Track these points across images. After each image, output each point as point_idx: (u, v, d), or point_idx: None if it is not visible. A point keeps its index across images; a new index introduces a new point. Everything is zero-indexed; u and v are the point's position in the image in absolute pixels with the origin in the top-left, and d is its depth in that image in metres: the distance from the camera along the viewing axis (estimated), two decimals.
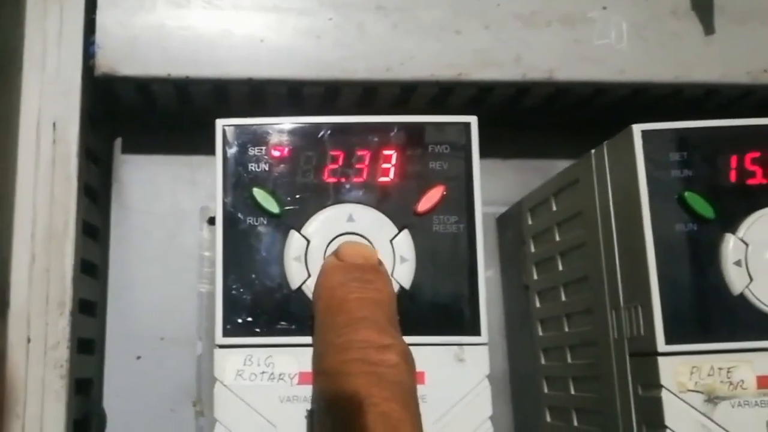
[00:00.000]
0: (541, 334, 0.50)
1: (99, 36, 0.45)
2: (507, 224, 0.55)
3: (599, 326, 0.42)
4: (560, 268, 0.47)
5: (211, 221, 0.53)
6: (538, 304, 0.50)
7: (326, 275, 0.36)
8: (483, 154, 0.39)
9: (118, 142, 0.55)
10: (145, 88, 0.49)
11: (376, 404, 0.30)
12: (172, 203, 0.54)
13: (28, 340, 0.42)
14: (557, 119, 0.55)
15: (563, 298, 0.46)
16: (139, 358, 0.52)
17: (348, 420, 0.30)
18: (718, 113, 0.49)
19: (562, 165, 0.49)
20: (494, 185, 0.55)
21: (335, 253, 0.37)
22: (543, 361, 0.49)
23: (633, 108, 0.52)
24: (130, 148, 0.55)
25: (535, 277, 0.50)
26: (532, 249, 0.51)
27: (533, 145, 0.57)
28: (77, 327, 0.43)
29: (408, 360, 0.33)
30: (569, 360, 0.46)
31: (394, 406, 0.30)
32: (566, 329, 0.46)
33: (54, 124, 0.44)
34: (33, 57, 0.44)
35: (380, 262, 0.37)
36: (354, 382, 0.31)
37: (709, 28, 0.48)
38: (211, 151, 0.39)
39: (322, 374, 0.33)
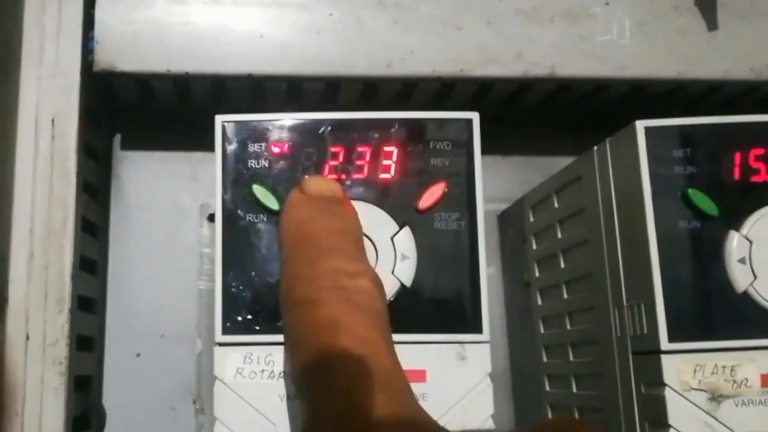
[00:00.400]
0: (542, 331, 0.49)
1: (98, 31, 0.45)
2: (508, 221, 0.55)
3: (601, 324, 0.42)
4: (562, 265, 0.46)
5: (211, 218, 0.53)
6: (539, 302, 0.50)
7: (292, 208, 0.35)
8: (484, 151, 0.39)
9: (117, 139, 0.54)
10: (144, 83, 0.48)
11: (351, 328, 0.29)
12: (172, 200, 0.54)
13: (27, 338, 0.41)
14: (559, 116, 0.55)
15: (565, 295, 0.46)
16: (138, 355, 0.52)
17: (322, 347, 0.29)
18: (721, 109, 0.49)
19: (563, 162, 0.49)
20: (495, 182, 0.55)
21: (300, 187, 0.36)
22: (545, 359, 0.49)
23: (635, 104, 0.51)
24: (129, 145, 0.54)
25: (537, 274, 0.50)
26: (534, 246, 0.50)
27: (535, 141, 0.56)
28: (76, 324, 0.43)
29: (379, 286, 0.32)
30: (571, 358, 0.46)
31: (371, 331, 0.30)
32: (568, 327, 0.46)
33: (52, 120, 0.44)
34: (31, 52, 0.44)
35: (345, 194, 0.36)
36: (329, 308, 0.30)
37: (712, 23, 0.48)
38: (210, 148, 0.39)
39: (292, 305, 0.32)
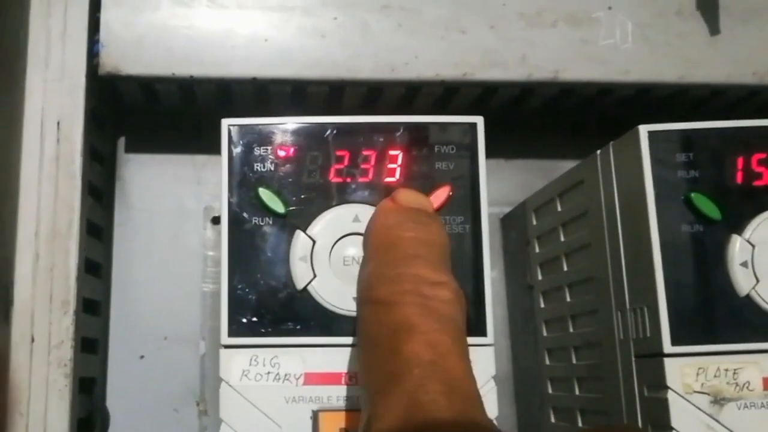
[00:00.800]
0: (545, 334, 0.50)
1: (103, 35, 0.45)
2: (511, 224, 0.55)
3: (604, 327, 0.42)
4: (565, 268, 0.47)
5: (215, 220, 0.53)
6: (542, 305, 0.50)
7: (381, 215, 0.35)
8: (487, 154, 0.39)
9: (121, 141, 0.55)
10: (149, 87, 0.49)
11: (425, 332, 0.29)
12: (176, 202, 0.54)
13: (32, 339, 0.42)
14: (562, 119, 0.55)
15: (568, 298, 0.46)
16: (142, 357, 0.52)
17: (393, 348, 0.29)
18: (724, 113, 0.50)
19: (566, 165, 0.49)
20: (498, 185, 0.55)
21: (391, 197, 0.36)
22: (547, 362, 0.49)
23: (638, 108, 0.52)
24: (133, 147, 0.54)
25: (540, 277, 0.50)
26: (537, 249, 0.50)
27: (538, 145, 0.57)
28: (81, 326, 0.43)
29: (460, 298, 0.32)
30: (574, 360, 0.46)
31: (444, 338, 0.30)
32: (571, 330, 0.46)
33: (58, 123, 0.44)
34: (37, 56, 0.45)
35: (435, 211, 0.37)
36: (405, 311, 0.30)
37: (714, 28, 0.48)
38: (215, 151, 0.39)
39: (370, 303, 0.32)
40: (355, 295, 0.35)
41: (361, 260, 0.36)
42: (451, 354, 0.29)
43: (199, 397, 0.52)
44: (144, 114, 0.53)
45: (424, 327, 0.30)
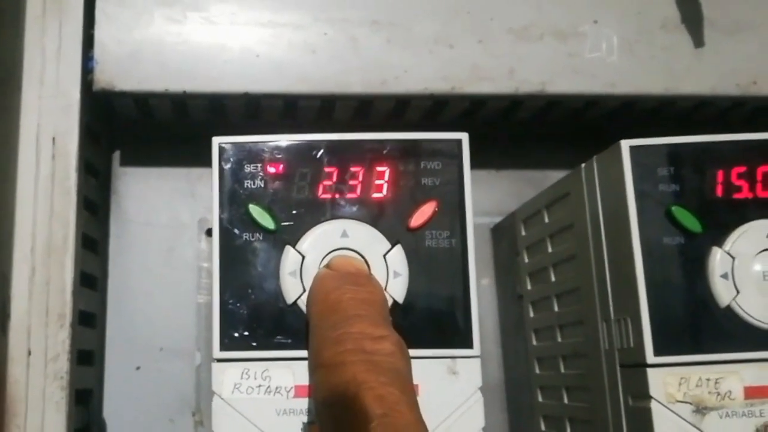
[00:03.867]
0: (535, 343, 0.50)
1: (97, 51, 0.46)
2: (501, 235, 0.55)
3: (590, 337, 0.42)
4: (553, 279, 0.47)
5: (210, 233, 0.54)
6: (531, 314, 0.51)
7: (320, 282, 0.37)
8: (477, 165, 0.40)
9: (116, 155, 0.55)
10: (143, 102, 0.49)
11: (373, 388, 0.30)
12: (171, 215, 0.55)
13: (29, 353, 0.42)
14: (550, 131, 0.55)
15: (556, 308, 0.47)
16: (138, 368, 0.53)
17: (346, 407, 0.30)
18: (709, 124, 0.50)
19: (555, 175, 0.50)
20: (488, 196, 0.56)
21: (327, 265, 0.38)
22: (537, 371, 0.50)
23: (624, 119, 0.52)
24: (128, 161, 0.55)
25: (529, 287, 0.51)
26: (526, 259, 0.51)
27: (527, 156, 0.57)
28: (77, 339, 0.44)
29: (402, 349, 0.33)
30: (562, 370, 0.46)
31: (392, 390, 0.31)
32: (559, 339, 0.47)
33: (53, 139, 0.44)
34: (32, 72, 0.45)
35: (370, 273, 0.38)
36: (351, 369, 0.31)
37: (698, 41, 0.49)
38: (208, 164, 0.40)
39: (318, 368, 0.33)
40: None
41: None
42: (400, 404, 0.30)
43: (195, 408, 0.52)
44: (138, 128, 0.54)
45: (372, 382, 0.31)
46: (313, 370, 0.34)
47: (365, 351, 0.32)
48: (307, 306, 0.37)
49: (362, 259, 0.38)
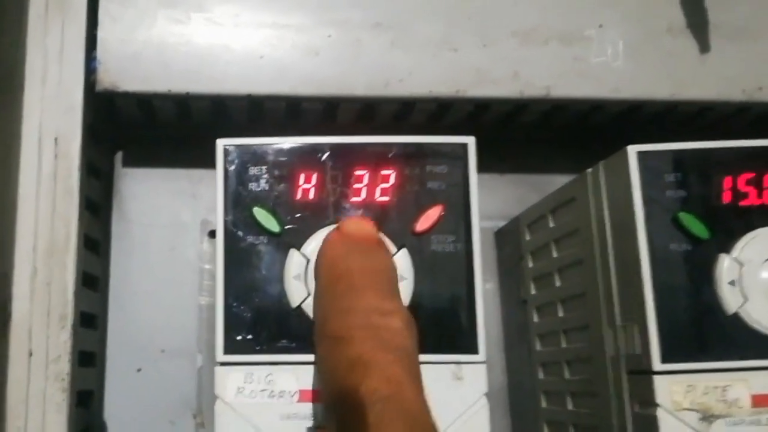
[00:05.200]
0: (539, 348, 0.50)
1: (100, 52, 0.46)
2: (505, 239, 0.55)
3: (596, 343, 0.42)
4: (557, 284, 0.47)
5: (212, 234, 0.53)
6: (536, 319, 0.50)
7: (328, 247, 0.36)
8: (481, 169, 0.40)
9: (118, 156, 0.55)
10: (145, 103, 0.49)
11: (381, 368, 0.30)
12: (173, 216, 0.54)
13: (30, 354, 0.42)
14: (554, 135, 0.55)
15: (560, 313, 0.47)
16: (139, 370, 0.52)
17: (351, 383, 0.30)
18: (713, 130, 0.50)
19: (560, 179, 0.49)
20: (493, 199, 0.56)
21: (337, 227, 0.37)
22: (541, 376, 0.50)
23: (629, 124, 0.52)
24: (130, 162, 0.55)
25: (533, 292, 0.51)
26: (530, 264, 0.51)
27: (531, 159, 0.57)
28: (78, 340, 0.44)
29: (410, 326, 0.33)
30: (567, 375, 0.46)
31: (398, 370, 0.30)
32: (564, 345, 0.47)
33: (56, 140, 0.44)
34: (34, 73, 0.45)
35: (381, 238, 0.37)
36: (359, 346, 0.31)
37: (704, 46, 0.49)
38: (211, 165, 0.39)
39: (325, 339, 0.33)
40: None
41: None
42: (406, 385, 0.30)
43: (196, 410, 0.52)
44: (141, 129, 0.54)
45: (380, 361, 0.30)
46: (318, 340, 0.33)
47: (373, 326, 0.31)
48: (314, 270, 0.36)
49: (372, 224, 0.37)
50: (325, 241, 0.36)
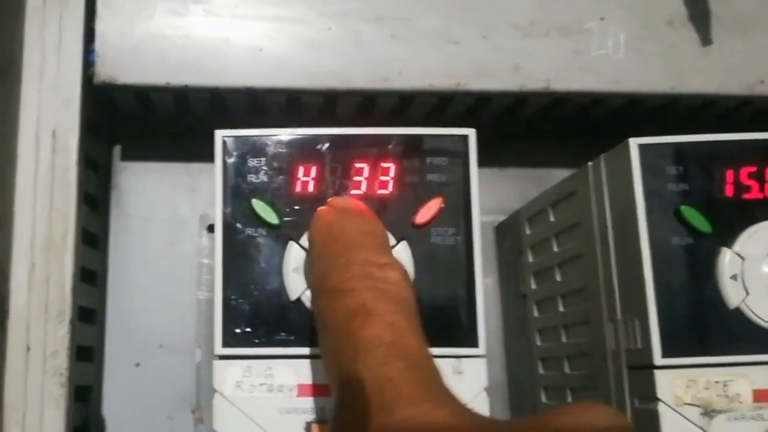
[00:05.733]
0: (539, 343, 0.50)
1: (98, 44, 0.45)
2: (505, 233, 0.55)
3: (596, 338, 0.42)
4: (558, 278, 0.47)
5: (211, 229, 0.53)
6: (536, 314, 0.50)
7: (322, 215, 0.37)
8: (481, 163, 0.39)
9: (117, 149, 0.55)
10: (144, 96, 0.49)
11: (382, 315, 0.30)
12: (171, 210, 0.54)
13: (28, 349, 0.42)
14: (555, 128, 0.55)
15: (561, 308, 0.47)
16: (138, 365, 0.52)
17: (355, 331, 0.30)
18: (714, 123, 0.50)
19: (560, 173, 0.49)
20: (493, 193, 0.55)
21: (327, 203, 0.38)
22: (541, 371, 0.49)
23: (630, 117, 0.52)
24: (129, 155, 0.55)
25: (533, 286, 0.50)
26: (530, 259, 0.51)
27: (532, 153, 0.57)
28: (77, 335, 0.44)
29: (407, 278, 0.33)
30: (567, 370, 0.46)
31: (400, 318, 0.31)
32: (564, 339, 0.46)
33: (53, 133, 0.44)
34: (32, 66, 0.44)
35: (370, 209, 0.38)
36: (360, 296, 0.31)
37: (706, 38, 0.48)
38: (209, 159, 0.39)
39: (324, 293, 0.33)
40: None
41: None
42: (407, 332, 0.30)
43: (195, 405, 0.52)
44: (139, 122, 0.53)
45: (381, 310, 0.31)
46: (317, 295, 0.34)
47: (372, 277, 0.32)
48: (309, 239, 0.37)
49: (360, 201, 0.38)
50: (316, 215, 0.37)
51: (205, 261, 0.53)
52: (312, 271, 0.35)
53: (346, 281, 0.32)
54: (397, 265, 0.33)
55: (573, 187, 0.44)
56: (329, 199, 0.38)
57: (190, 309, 0.53)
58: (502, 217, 0.56)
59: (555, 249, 0.47)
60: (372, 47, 0.47)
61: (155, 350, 0.52)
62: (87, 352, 0.49)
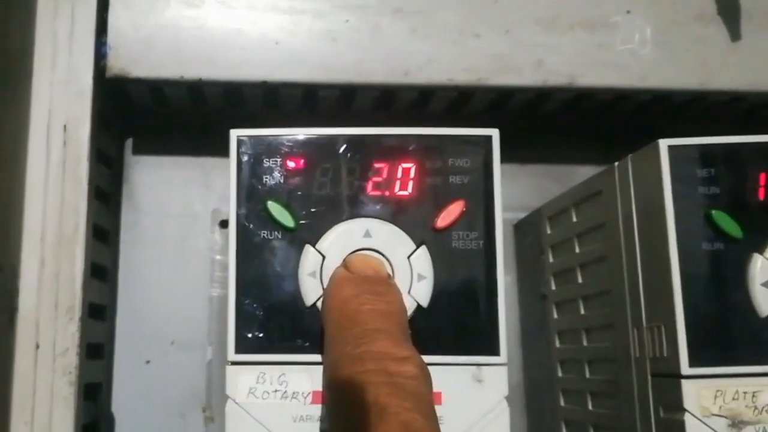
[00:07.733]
0: (558, 345, 0.49)
1: (111, 37, 0.45)
2: (525, 231, 0.54)
3: (620, 343, 0.41)
4: (580, 280, 0.46)
5: (223, 224, 0.53)
6: (555, 315, 0.49)
7: (337, 287, 0.35)
8: (502, 159, 0.38)
9: (129, 143, 0.54)
10: (157, 89, 0.48)
11: (397, 413, 0.29)
12: (184, 205, 0.53)
13: (37, 346, 0.41)
14: (578, 124, 0.54)
15: (582, 311, 0.45)
16: (148, 362, 0.51)
17: (368, 429, 0.29)
18: (741, 120, 0.49)
19: (582, 171, 0.48)
20: (512, 190, 0.54)
21: (344, 264, 0.36)
22: (560, 374, 0.48)
23: (657, 114, 0.50)
24: (141, 149, 0.54)
25: (554, 287, 0.49)
26: (551, 259, 0.50)
27: (553, 150, 0.55)
28: (86, 332, 0.43)
29: (425, 372, 0.32)
30: (587, 375, 0.45)
31: (416, 416, 0.29)
32: (585, 343, 0.45)
33: (65, 126, 0.43)
34: (44, 58, 0.44)
35: (390, 275, 0.36)
36: (374, 391, 0.30)
37: (735, 33, 0.47)
38: (223, 153, 0.38)
39: (337, 384, 0.32)
40: None
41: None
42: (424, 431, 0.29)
43: (206, 404, 0.51)
44: (152, 116, 0.53)
45: (396, 407, 0.29)
46: (331, 385, 0.33)
47: (388, 372, 0.31)
48: (322, 310, 0.36)
49: (382, 258, 0.37)
50: (333, 279, 0.36)
51: (218, 257, 0.52)
52: (326, 353, 0.34)
53: (361, 374, 0.31)
54: (415, 358, 0.32)
55: (598, 187, 0.43)
56: (346, 259, 0.36)
57: (202, 306, 0.52)
58: (521, 215, 0.54)
59: (577, 250, 0.46)
60: (391, 41, 0.46)
61: (166, 347, 0.52)
62: (97, 349, 0.48)
